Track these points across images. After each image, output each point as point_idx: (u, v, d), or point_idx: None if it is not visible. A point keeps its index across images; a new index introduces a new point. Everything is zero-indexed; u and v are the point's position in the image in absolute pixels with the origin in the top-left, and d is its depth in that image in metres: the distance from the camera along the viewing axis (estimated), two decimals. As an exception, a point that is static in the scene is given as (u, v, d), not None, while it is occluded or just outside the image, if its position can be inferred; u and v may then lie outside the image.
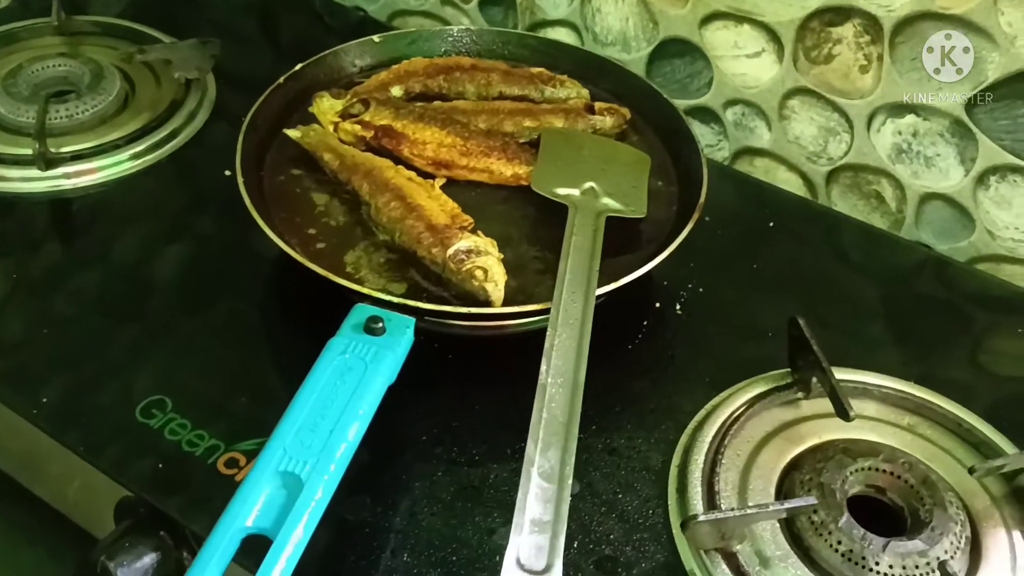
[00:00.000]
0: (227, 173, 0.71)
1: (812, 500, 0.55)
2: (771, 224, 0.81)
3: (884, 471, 0.59)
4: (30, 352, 0.66)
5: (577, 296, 0.60)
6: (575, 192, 0.69)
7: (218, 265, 0.74)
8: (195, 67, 0.87)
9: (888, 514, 0.58)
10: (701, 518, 0.54)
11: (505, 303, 0.63)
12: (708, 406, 0.64)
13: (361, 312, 0.59)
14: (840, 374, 0.62)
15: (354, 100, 0.77)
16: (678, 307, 0.72)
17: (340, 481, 0.51)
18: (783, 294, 0.75)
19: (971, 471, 0.60)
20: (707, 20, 0.85)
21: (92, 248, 0.76)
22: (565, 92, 0.82)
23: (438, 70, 0.82)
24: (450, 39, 0.87)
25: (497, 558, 0.54)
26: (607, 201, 0.69)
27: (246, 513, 0.48)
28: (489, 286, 0.63)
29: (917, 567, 0.54)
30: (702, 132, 0.91)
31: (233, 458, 0.59)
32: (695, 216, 0.68)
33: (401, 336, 0.58)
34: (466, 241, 0.65)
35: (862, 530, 0.55)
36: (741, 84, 0.87)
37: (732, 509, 0.56)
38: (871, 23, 0.77)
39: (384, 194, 0.69)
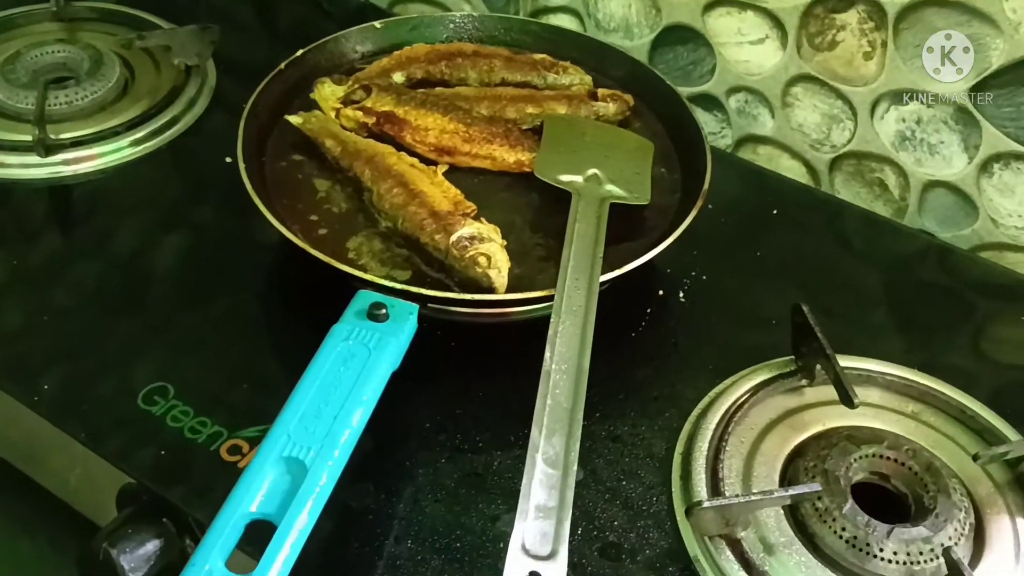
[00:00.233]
0: (228, 160, 0.70)
1: (816, 487, 0.55)
2: (774, 212, 0.81)
3: (888, 458, 0.59)
4: (30, 340, 0.66)
5: (581, 283, 0.59)
6: (578, 179, 0.69)
7: (219, 252, 0.74)
8: (195, 53, 0.87)
9: (892, 501, 0.58)
10: (706, 504, 0.54)
11: (508, 290, 0.63)
12: (712, 393, 0.64)
13: (364, 298, 0.59)
14: (844, 361, 0.62)
15: (356, 86, 0.76)
16: (681, 295, 0.72)
17: (343, 468, 0.51)
18: (786, 282, 0.75)
19: (975, 458, 0.60)
20: (710, 6, 0.85)
21: (92, 235, 0.76)
22: (568, 79, 0.82)
23: (440, 56, 0.81)
24: (452, 25, 0.86)
25: (501, 545, 0.54)
26: (610, 188, 0.69)
27: (250, 499, 0.48)
28: (492, 273, 0.63)
29: (921, 553, 0.54)
30: (705, 120, 0.90)
31: (236, 445, 0.59)
32: (699, 204, 0.67)
33: (404, 322, 0.58)
34: (469, 228, 0.64)
35: (866, 516, 0.55)
36: (744, 71, 0.86)
37: (736, 495, 0.56)
38: (875, 9, 0.77)
39: (386, 180, 0.68)
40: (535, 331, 0.57)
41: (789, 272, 0.76)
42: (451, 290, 0.63)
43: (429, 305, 0.61)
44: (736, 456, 0.60)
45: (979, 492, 0.59)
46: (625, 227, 0.68)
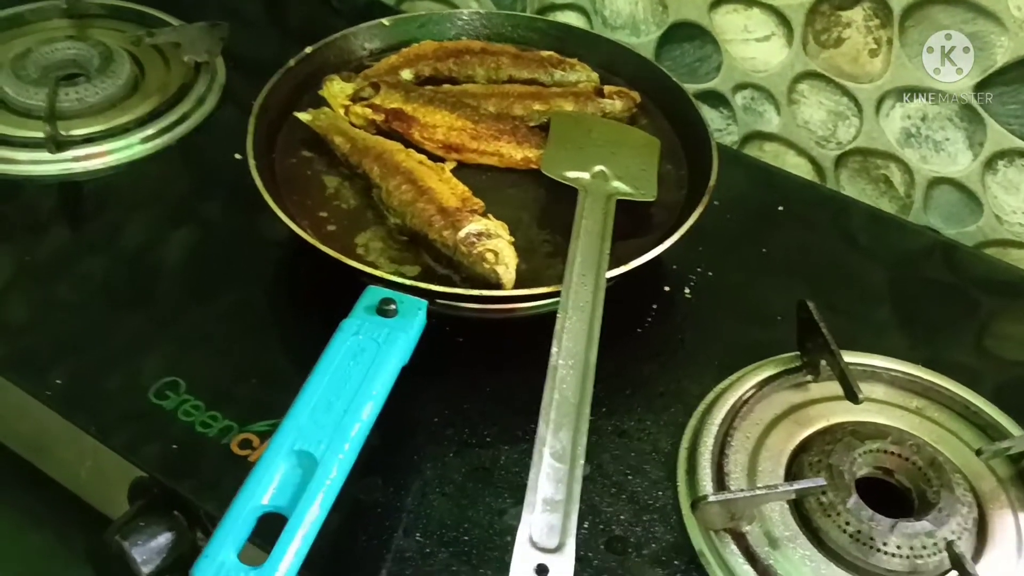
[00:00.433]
0: (237, 157, 0.71)
1: (821, 481, 0.56)
2: (780, 208, 0.81)
3: (892, 453, 0.59)
4: (41, 334, 0.67)
5: (587, 279, 0.60)
6: (585, 175, 0.70)
7: (228, 248, 0.75)
8: (204, 50, 0.87)
9: (896, 496, 0.59)
10: (711, 498, 0.54)
11: (516, 286, 0.63)
12: (717, 389, 0.65)
13: (374, 294, 0.59)
14: (848, 357, 0.62)
15: (364, 83, 0.77)
16: (687, 291, 0.73)
17: (353, 462, 0.51)
18: (792, 278, 0.75)
19: (978, 453, 0.60)
20: (717, 4, 0.85)
21: (103, 231, 0.76)
22: (575, 75, 0.82)
23: (448, 53, 0.82)
24: (460, 22, 0.86)
25: (508, 538, 0.54)
26: (617, 184, 0.69)
27: (262, 491, 0.48)
28: (500, 269, 0.63)
29: (924, 547, 0.54)
30: (711, 116, 0.90)
31: (246, 439, 0.60)
32: (705, 200, 0.68)
33: (413, 318, 0.58)
34: (477, 224, 0.65)
35: (870, 511, 0.55)
36: (750, 68, 0.86)
37: (741, 490, 0.57)
38: (881, 7, 0.77)
39: (395, 177, 0.69)
40: (542, 326, 0.57)
41: (794, 268, 0.76)
42: (459, 286, 0.64)
43: (437, 301, 0.61)
44: (741, 451, 0.60)
45: (982, 487, 0.60)
46: (631, 223, 0.68)
